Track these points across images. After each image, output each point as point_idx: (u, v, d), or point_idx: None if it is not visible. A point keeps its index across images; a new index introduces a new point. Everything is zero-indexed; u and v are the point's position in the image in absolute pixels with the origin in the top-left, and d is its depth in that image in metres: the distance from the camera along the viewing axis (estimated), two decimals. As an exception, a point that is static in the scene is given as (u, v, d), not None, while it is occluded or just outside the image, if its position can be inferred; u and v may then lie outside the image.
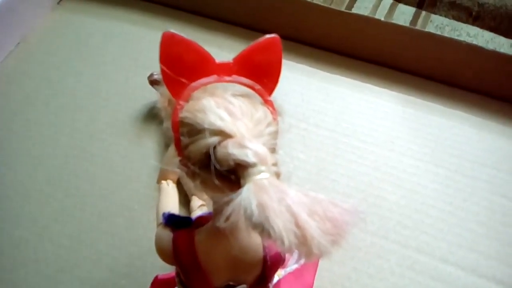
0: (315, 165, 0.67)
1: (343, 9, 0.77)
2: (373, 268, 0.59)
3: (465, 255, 0.60)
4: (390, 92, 0.76)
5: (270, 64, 0.34)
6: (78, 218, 0.63)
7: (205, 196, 0.59)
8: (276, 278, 0.48)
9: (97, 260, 0.60)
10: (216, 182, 0.28)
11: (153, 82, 0.70)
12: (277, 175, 0.28)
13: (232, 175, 0.28)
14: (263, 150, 0.28)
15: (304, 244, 0.24)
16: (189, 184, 0.58)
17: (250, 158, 0.27)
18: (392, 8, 0.94)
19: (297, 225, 0.24)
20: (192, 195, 0.60)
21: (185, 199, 0.61)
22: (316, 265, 0.53)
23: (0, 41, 0.80)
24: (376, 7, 0.95)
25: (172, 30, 0.32)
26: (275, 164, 0.29)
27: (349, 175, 0.66)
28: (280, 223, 0.24)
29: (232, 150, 0.27)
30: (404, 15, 0.92)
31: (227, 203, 0.26)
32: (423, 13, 0.93)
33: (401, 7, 0.93)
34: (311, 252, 0.24)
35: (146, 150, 0.70)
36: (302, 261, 0.52)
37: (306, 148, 0.69)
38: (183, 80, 0.31)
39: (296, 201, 0.25)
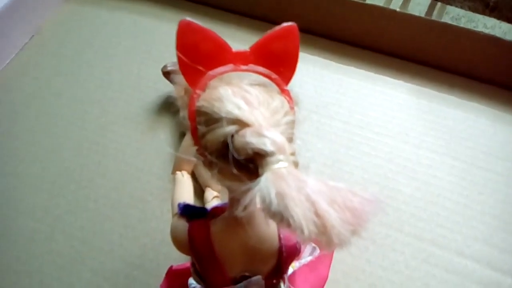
0: (329, 157, 0.67)
1: (357, 0, 0.76)
2: (388, 260, 0.58)
3: (481, 248, 0.59)
4: (405, 83, 0.75)
5: (287, 52, 0.34)
6: (90, 210, 0.64)
7: (219, 187, 0.59)
8: (290, 270, 0.48)
9: (110, 251, 0.60)
10: (234, 171, 0.28)
11: (167, 74, 0.69)
12: (295, 164, 0.28)
13: (250, 163, 0.27)
14: (281, 139, 0.27)
15: (323, 233, 0.24)
16: (204, 174, 0.58)
17: (268, 147, 0.26)
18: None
19: (317, 214, 0.24)
20: (206, 186, 0.60)
21: (199, 191, 0.61)
22: (331, 258, 0.53)
23: (15, 34, 0.81)
24: (390, -2, 0.93)
25: (189, 18, 0.31)
26: (293, 154, 0.28)
27: (363, 167, 0.66)
28: (300, 212, 0.24)
29: (250, 138, 0.27)
30: (419, 6, 0.91)
31: (245, 192, 0.26)
32: (439, 4, 0.91)
33: (416, -2, 0.92)
34: (331, 242, 0.24)
35: (159, 142, 0.70)
36: (317, 253, 0.51)
37: (320, 140, 0.68)
38: (200, 68, 0.31)
39: (316, 190, 0.25)
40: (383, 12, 0.74)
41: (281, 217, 0.24)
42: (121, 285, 0.58)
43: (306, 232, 0.24)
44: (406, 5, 0.92)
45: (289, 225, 0.24)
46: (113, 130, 0.71)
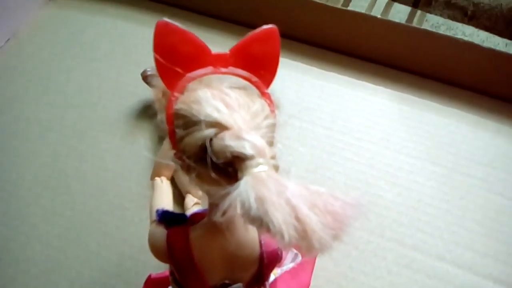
0: (311, 162, 0.66)
1: (339, 6, 0.76)
2: (370, 266, 0.58)
3: (462, 253, 0.59)
4: (386, 89, 0.75)
5: (267, 55, 0.33)
6: (67, 217, 0.62)
7: (200, 194, 0.58)
8: (272, 277, 0.47)
9: (87, 260, 0.59)
10: (213, 175, 0.27)
11: (146, 79, 0.68)
12: (276, 168, 0.27)
13: (229, 167, 0.26)
14: (261, 142, 0.27)
15: (304, 238, 0.23)
16: (183, 179, 0.57)
17: (248, 150, 0.26)
18: (387, 7, 0.94)
19: (297, 218, 0.23)
20: (187, 192, 0.59)
21: (179, 197, 0.60)
22: (313, 264, 0.53)
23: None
24: (371, 5, 0.94)
25: (166, 19, 0.31)
26: (273, 157, 0.28)
27: (345, 172, 0.65)
28: (280, 217, 0.23)
29: (229, 142, 0.26)
30: (399, 14, 0.91)
31: (224, 196, 0.25)
32: (419, 12, 0.93)
33: (397, 6, 0.92)
34: (312, 247, 0.23)
35: (138, 147, 0.68)
36: (299, 260, 0.51)
37: (301, 146, 0.68)
38: (178, 69, 0.30)
39: (296, 194, 0.24)
40: (365, 19, 0.74)
41: (261, 222, 0.23)
42: (99, 295, 0.56)
43: (286, 237, 0.23)
44: (387, 12, 0.93)
45: (269, 230, 0.23)
46: (91, 135, 0.70)
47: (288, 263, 0.51)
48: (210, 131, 0.28)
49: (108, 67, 0.78)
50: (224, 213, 0.26)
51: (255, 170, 0.25)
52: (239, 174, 0.26)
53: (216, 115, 0.28)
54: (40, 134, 0.70)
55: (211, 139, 0.27)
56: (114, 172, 0.66)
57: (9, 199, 0.64)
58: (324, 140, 0.69)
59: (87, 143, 0.69)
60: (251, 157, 0.26)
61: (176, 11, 0.84)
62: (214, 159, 0.27)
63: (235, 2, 0.81)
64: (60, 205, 0.63)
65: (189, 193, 0.59)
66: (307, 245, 0.23)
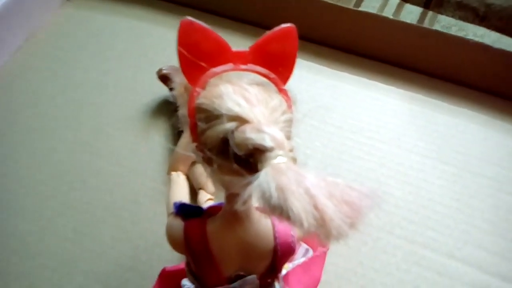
0: (321, 161, 0.67)
1: (351, 7, 0.77)
2: (379, 263, 0.59)
3: (472, 252, 0.60)
4: (397, 89, 0.76)
5: (285, 53, 0.34)
6: (83, 212, 0.63)
7: (213, 189, 0.60)
8: (284, 271, 0.48)
9: (102, 253, 0.60)
10: (235, 166, 0.28)
11: (162, 77, 0.70)
12: (294, 160, 0.28)
13: (250, 158, 0.28)
14: (280, 135, 0.28)
15: (322, 226, 0.24)
16: (197, 175, 0.59)
17: (268, 142, 0.27)
18: (399, 8, 0.94)
19: (316, 207, 0.24)
20: (200, 188, 0.60)
21: (192, 193, 0.61)
22: (323, 259, 0.53)
23: (10, 36, 0.81)
24: (383, 6, 0.95)
25: (190, 18, 0.32)
26: (291, 150, 0.29)
27: (355, 171, 0.66)
28: (299, 205, 0.24)
29: (250, 134, 0.27)
30: (411, 15, 0.92)
31: (245, 186, 0.26)
32: (430, 13, 0.93)
33: (408, 6, 0.93)
34: (330, 234, 0.24)
35: (152, 144, 0.70)
36: (310, 255, 0.52)
37: (312, 145, 0.69)
38: (202, 64, 0.31)
39: (314, 184, 0.25)
40: (376, 19, 0.75)
41: (281, 210, 0.24)
42: None
43: (305, 224, 0.24)
44: (398, 13, 0.93)
45: (288, 218, 0.24)
46: (107, 132, 0.71)
47: (299, 257, 0.51)
48: (231, 125, 0.29)
49: (124, 66, 0.79)
50: (245, 202, 0.27)
51: (275, 161, 0.26)
52: (259, 166, 0.27)
53: (237, 109, 0.29)
54: (57, 131, 0.72)
55: (232, 132, 0.29)
56: (129, 168, 0.67)
57: (26, 194, 0.65)
58: (335, 139, 0.70)
59: (102, 140, 0.70)
60: (270, 149, 0.27)
61: (190, 11, 0.86)
62: (236, 150, 0.28)
63: (248, 3, 0.82)
64: (76, 200, 0.64)
65: (202, 188, 0.60)
66: (325, 232, 0.24)
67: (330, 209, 0.24)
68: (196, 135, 0.31)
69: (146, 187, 0.65)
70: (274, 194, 0.24)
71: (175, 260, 0.58)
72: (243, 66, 0.33)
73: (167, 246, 0.59)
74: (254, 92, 0.31)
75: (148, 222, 0.62)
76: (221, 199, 0.58)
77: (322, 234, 0.24)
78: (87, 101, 0.75)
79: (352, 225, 0.25)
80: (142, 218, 0.63)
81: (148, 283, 0.56)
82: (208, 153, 0.30)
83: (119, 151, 0.69)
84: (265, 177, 0.25)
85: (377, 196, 0.26)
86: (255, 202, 0.33)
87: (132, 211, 0.63)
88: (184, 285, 0.46)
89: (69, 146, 0.70)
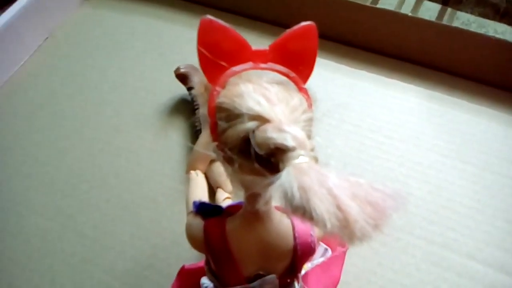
0: (340, 160, 0.67)
1: (368, 4, 0.76)
2: (399, 263, 0.58)
3: (493, 253, 0.59)
4: (416, 87, 0.75)
5: (305, 51, 0.34)
6: (102, 210, 0.64)
7: (231, 188, 0.60)
8: (303, 271, 0.48)
9: (121, 251, 0.61)
10: (256, 165, 0.28)
11: (180, 76, 0.70)
12: (315, 160, 0.28)
13: (271, 158, 0.27)
14: (301, 135, 0.28)
15: (346, 227, 0.24)
16: (215, 174, 0.59)
17: (289, 142, 0.27)
18: (417, 5, 0.93)
19: (339, 207, 0.24)
20: (218, 187, 0.60)
21: (210, 192, 0.61)
22: (342, 259, 0.53)
23: (30, 36, 0.82)
24: (401, 3, 0.94)
25: (210, 16, 0.32)
26: (312, 150, 0.29)
27: (374, 170, 0.66)
28: (322, 206, 0.24)
29: (271, 134, 0.27)
30: (429, 12, 0.91)
31: (267, 185, 0.26)
32: (449, 9, 0.92)
33: (426, 3, 0.92)
34: (354, 235, 0.24)
35: (171, 143, 0.70)
36: (329, 255, 0.51)
37: (331, 143, 0.68)
38: (223, 63, 0.31)
39: (337, 184, 0.25)
40: (395, 17, 0.74)
41: (304, 211, 0.24)
42: (132, 285, 0.58)
43: (328, 225, 0.24)
44: (416, 10, 0.92)
45: (311, 218, 0.24)
46: (125, 131, 0.72)
47: (318, 257, 0.51)
48: (252, 124, 0.28)
49: (142, 65, 0.80)
50: (266, 202, 0.27)
51: (297, 161, 0.26)
52: (281, 165, 0.27)
53: (258, 108, 0.29)
54: (76, 130, 0.72)
55: (253, 131, 0.28)
56: (147, 167, 0.68)
57: (46, 192, 0.66)
58: (353, 138, 0.69)
59: (121, 139, 0.71)
60: (292, 149, 0.27)
61: (207, 10, 0.86)
62: (257, 150, 0.28)
63: (266, 2, 0.82)
64: (95, 198, 0.65)
65: (220, 187, 0.60)
66: (349, 233, 0.24)
67: (354, 210, 0.24)
68: (217, 134, 0.31)
69: (165, 186, 0.66)
70: (297, 194, 0.24)
71: (193, 258, 0.58)
72: (263, 65, 0.33)
73: (185, 245, 0.59)
74: (275, 91, 0.31)
75: (166, 221, 0.63)
76: (238, 198, 0.58)
77: (345, 235, 0.24)
78: (105, 100, 0.76)
79: (376, 227, 0.25)
80: (160, 217, 0.63)
81: (166, 281, 0.56)
82: (229, 153, 0.30)
83: (138, 150, 0.70)
84: (287, 177, 0.25)
85: (401, 197, 0.26)
86: (275, 202, 0.33)
87: (150, 210, 0.64)
88: (203, 284, 0.46)
89: (88, 145, 0.71)
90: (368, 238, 0.24)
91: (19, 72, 0.81)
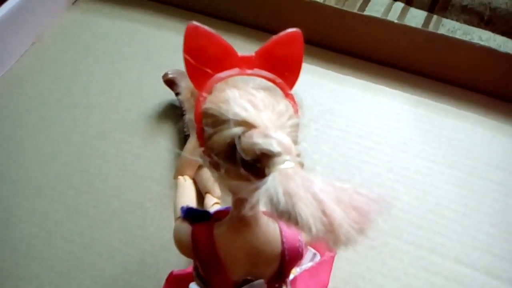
0: (327, 165, 0.67)
1: (355, 11, 0.77)
2: (387, 268, 0.58)
3: (480, 257, 0.60)
4: (403, 93, 0.76)
5: (291, 57, 0.34)
6: (90, 215, 0.64)
7: (219, 193, 0.60)
8: (291, 276, 0.48)
9: (109, 257, 0.60)
10: (242, 171, 0.28)
11: (167, 81, 0.70)
12: (301, 165, 0.28)
13: (258, 163, 0.28)
14: (287, 140, 0.28)
15: (331, 231, 0.24)
16: (204, 179, 0.59)
17: (275, 147, 0.27)
18: (403, 12, 0.94)
19: (324, 212, 0.24)
20: (206, 192, 0.60)
21: (198, 197, 0.61)
22: (331, 264, 0.53)
23: (16, 40, 0.81)
24: (388, 10, 0.95)
25: (196, 23, 0.32)
26: (298, 155, 0.29)
27: (362, 176, 0.66)
28: (307, 211, 0.24)
29: (257, 139, 0.27)
30: (415, 19, 0.92)
31: (253, 191, 0.26)
32: (435, 17, 0.93)
33: (413, 10, 0.93)
34: (339, 240, 0.24)
35: (159, 148, 0.70)
36: (317, 260, 0.52)
37: (318, 149, 0.69)
38: (208, 70, 0.31)
39: (322, 189, 0.25)
40: (381, 23, 0.75)
41: (289, 216, 0.24)
42: (120, 291, 0.58)
43: (314, 230, 0.24)
44: (403, 17, 0.93)
45: (296, 223, 0.24)
46: (113, 136, 0.71)
47: (306, 262, 0.51)
48: (238, 129, 0.29)
49: (129, 69, 0.80)
50: (252, 207, 0.27)
51: (282, 166, 0.26)
52: (266, 171, 0.27)
53: (244, 114, 0.29)
54: (63, 135, 0.72)
55: (239, 137, 0.29)
56: (135, 172, 0.68)
57: (33, 197, 0.65)
58: (341, 143, 0.70)
59: (109, 144, 0.71)
60: (278, 154, 0.27)
61: (194, 15, 0.86)
62: (242, 155, 0.28)
63: (253, 7, 0.82)
64: (83, 204, 0.65)
65: (209, 192, 0.60)
66: (334, 238, 0.24)
67: (339, 214, 0.24)
68: (203, 140, 0.31)
69: (153, 192, 0.65)
70: (282, 199, 0.24)
71: (181, 264, 0.58)
72: (249, 71, 0.33)
73: (174, 250, 0.59)
74: (261, 96, 0.31)
75: (154, 226, 0.62)
76: (227, 203, 0.58)
77: (330, 239, 0.24)
78: (93, 105, 0.75)
79: (360, 231, 0.25)
80: (148, 222, 0.63)
81: (155, 287, 0.56)
82: (215, 158, 0.30)
83: (125, 155, 0.69)
84: (273, 182, 0.25)
85: (385, 202, 0.26)
86: (262, 207, 0.33)
87: (138, 215, 0.63)
88: (191, 289, 0.46)
89: (75, 150, 0.70)
90: (353, 242, 0.25)
91: (5, 77, 0.80)
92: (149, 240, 0.61)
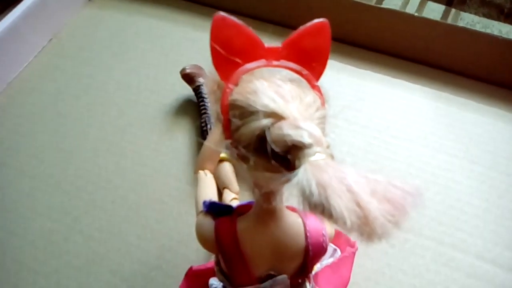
0: (347, 160, 0.66)
1: (373, 4, 0.76)
2: (408, 264, 0.58)
3: (502, 253, 0.59)
4: (423, 88, 0.75)
5: (318, 48, 0.34)
6: (108, 211, 0.64)
7: (237, 189, 0.59)
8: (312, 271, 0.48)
9: (127, 252, 0.60)
10: (273, 162, 0.27)
11: (185, 76, 0.70)
12: (331, 157, 0.28)
13: (288, 155, 0.27)
14: (318, 132, 0.27)
15: (366, 224, 0.24)
16: (223, 174, 0.58)
17: (306, 139, 0.26)
18: (421, 6, 0.93)
19: (359, 205, 0.24)
20: (224, 187, 0.60)
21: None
22: (352, 260, 0.53)
23: (34, 37, 0.82)
24: (405, 4, 0.94)
25: (223, 13, 0.32)
26: (328, 147, 0.28)
27: (382, 170, 0.65)
28: (342, 203, 0.24)
29: (288, 131, 0.27)
30: (433, 13, 0.91)
31: (283, 183, 0.26)
32: (453, 10, 0.92)
33: (431, 4, 0.92)
34: (374, 233, 0.24)
35: (176, 144, 0.70)
36: (338, 255, 0.51)
37: (337, 144, 0.68)
38: (237, 60, 0.31)
39: (356, 181, 0.24)
40: (401, 16, 0.74)
41: (323, 208, 0.24)
42: (139, 286, 0.57)
43: (348, 223, 0.23)
44: (420, 11, 0.92)
45: (331, 216, 0.24)
46: (131, 132, 0.71)
47: (327, 258, 0.51)
48: (267, 121, 0.28)
49: (147, 65, 0.79)
50: (280, 201, 0.26)
51: (313, 158, 0.26)
52: (297, 163, 0.26)
53: (273, 105, 0.28)
54: (81, 131, 0.72)
55: (268, 129, 0.28)
56: (153, 168, 0.67)
57: (52, 193, 0.66)
58: (360, 138, 0.69)
59: (126, 139, 0.71)
60: (309, 146, 0.26)
61: (211, 11, 0.85)
62: (273, 147, 0.27)
63: (271, 3, 0.81)
64: (101, 199, 0.65)
65: (227, 188, 0.60)
66: (369, 231, 0.24)
67: (374, 207, 0.24)
68: (230, 132, 0.31)
69: (170, 187, 0.65)
70: (315, 191, 0.24)
71: (200, 259, 0.58)
72: (275, 62, 0.33)
73: (193, 245, 0.60)
74: (288, 88, 0.31)
75: (172, 221, 0.62)
76: (246, 198, 0.58)
77: (365, 233, 0.24)
78: (110, 101, 0.75)
79: (396, 224, 0.24)
80: (166, 217, 0.63)
81: (173, 282, 0.56)
82: (243, 150, 0.30)
83: (143, 151, 0.69)
84: (305, 174, 0.25)
85: (420, 194, 0.25)
86: (292, 200, 0.32)
87: (156, 210, 0.63)
88: (212, 284, 0.46)
89: (93, 145, 0.70)
90: (388, 236, 0.24)
91: (23, 74, 0.80)
92: (167, 235, 0.61)
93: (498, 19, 0.87)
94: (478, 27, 0.93)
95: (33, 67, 0.81)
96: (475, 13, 0.89)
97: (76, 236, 0.62)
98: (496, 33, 0.84)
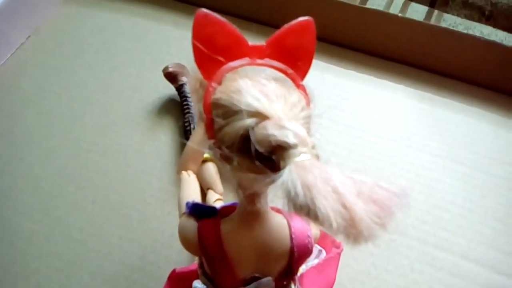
0: (331, 160, 0.66)
1: (357, 4, 0.76)
2: (393, 264, 0.58)
3: (485, 252, 0.59)
4: (406, 88, 0.75)
5: (303, 46, 0.33)
6: (90, 211, 0.62)
7: (221, 189, 0.59)
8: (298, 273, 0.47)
9: (109, 253, 0.59)
10: (257, 163, 0.27)
11: (168, 75, 0.69)
12: (317, 157, 0.27)
13: (272, 155, 0.26)
14: (303, 132, 0.27)
15: (352, 226, 0.23)
16: (206, 175, 0.58)
17: (291, 139, 0.26)
18: (404, 7, 0.94)
19: (345, 206, 0.23)
20: (208, 188, 0.59)
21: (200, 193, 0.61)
22: (337, 260, 0.52)
23: (12, 33, 0.80)
24: (389, 5, 0.94)
25: (205, 10, 0.31)
26: (313, 147, 0.28)
27: (366, 170, 0.65)
28: (327, 204, 0.23)
29: (272, 131, 0.26)
30: (416, 14, 0.91)
31: (268, 184, 0.25)
32: (436, 12, 0.92)
33: (414, 5, 0.92)
34: (360, 235, 0.23)
35: (159, 143, 0.69)
36: (323, 256, 0.51)
37: (321, 144, 0.68)
38: (220, 58, 0.30)
39: (342, 182, 0.24)
40: (385, 17, 0.74)
41: (308, 210, 0.23)
42: (121, 289, 0.56)
43: (334, 225, 0.23)
44: (404, 12, 0.92)
45: (316, 218, 0.23)
46: (113, 130, 0.70)
47: (312, 259, 0.50)
48: (251, 120, 0.27)
49: (129, 64, 0.78)
50: (265, 202, 0.26)
51: (298, 158, 0.25)
52: (282, 163, 0.26)
53: (257, 105, 0.28)
54: (62, 129, 0.71)
55: (252, 128, 0.27)
56: (135, 167, 0.66)
57: (33, 193, 0.64)
58: (344, 138, 0.69)
59: (108, 138, 0.69)
60: (294, 146, 0.26)
61: (194, 9, 0.84)
62: (257, 147, 0.26)
63: (255, 1, 0.81)
64: (82, 199, 0.63)
65: (211, 188, 0.59)
66: (355, 233, 0.23)
67: (360, 208, 0.23)
68: (213, 131, 0.30)
69: (153, 187, 0.64)
70: (301, 192, 0.23)
71: (183, 261, 0.57)
72: (260, 61, 0.32)
73: (175, 247, 0.59)
74: (272, 87, 0.30)
75: (155, 222, 0.61)
76: (230, 199, 0.57)
77: (352, 234, 0.23)
78: (92, 99, 0.74)
79: (382, 225, 0.24)
80: (149, 218, 0.62)
81: (156, 284, 0.55)
82: (226, 151, 0.29)
83: (125, 150, 0.68)
84: (290, 175, 0.24)
85: (406, 195, 0.25)
86: (276, 201, 0.32)
87: (139, 211, 0.62)
88: (196, 287, 0.45)
89: (74, 144, 0.69)
90: (375, 238, 0.24)
91: (1, 70, 0.78)
92: (150, 236, 0.60)
93: (479, 21, 0.88)
94: (460, 28, 0.94)
95: (10, 64, 0.79)
96: (458, 15, 0.90)
97: (57, 237, 0.61)
98: (478, 34, 0.85)
